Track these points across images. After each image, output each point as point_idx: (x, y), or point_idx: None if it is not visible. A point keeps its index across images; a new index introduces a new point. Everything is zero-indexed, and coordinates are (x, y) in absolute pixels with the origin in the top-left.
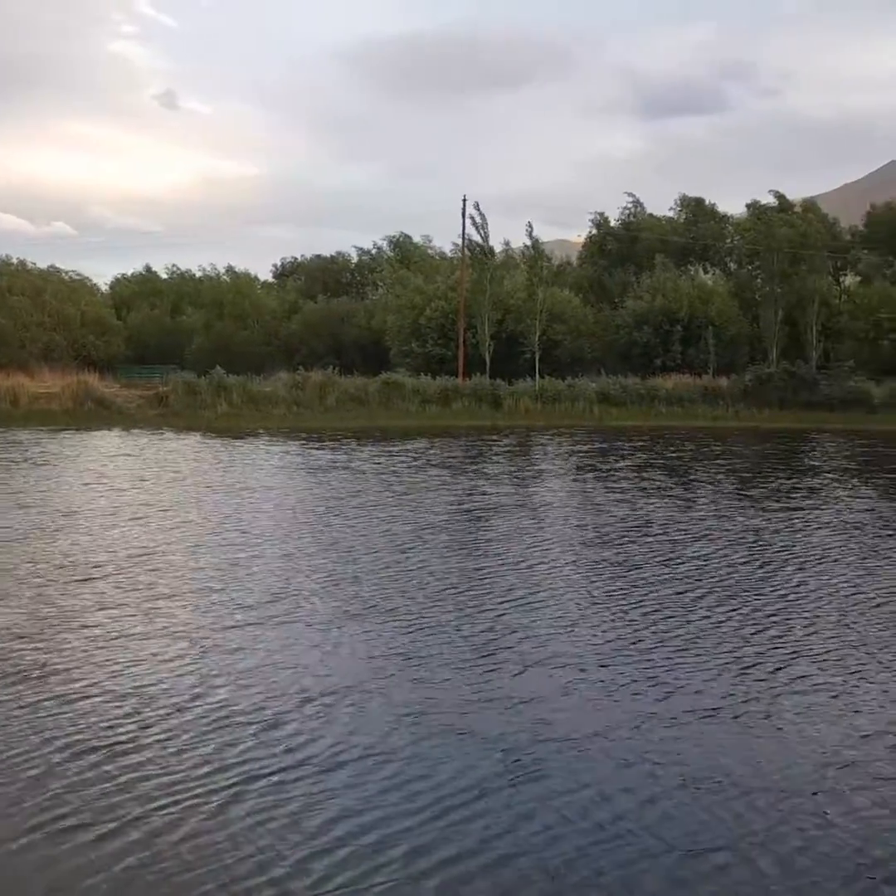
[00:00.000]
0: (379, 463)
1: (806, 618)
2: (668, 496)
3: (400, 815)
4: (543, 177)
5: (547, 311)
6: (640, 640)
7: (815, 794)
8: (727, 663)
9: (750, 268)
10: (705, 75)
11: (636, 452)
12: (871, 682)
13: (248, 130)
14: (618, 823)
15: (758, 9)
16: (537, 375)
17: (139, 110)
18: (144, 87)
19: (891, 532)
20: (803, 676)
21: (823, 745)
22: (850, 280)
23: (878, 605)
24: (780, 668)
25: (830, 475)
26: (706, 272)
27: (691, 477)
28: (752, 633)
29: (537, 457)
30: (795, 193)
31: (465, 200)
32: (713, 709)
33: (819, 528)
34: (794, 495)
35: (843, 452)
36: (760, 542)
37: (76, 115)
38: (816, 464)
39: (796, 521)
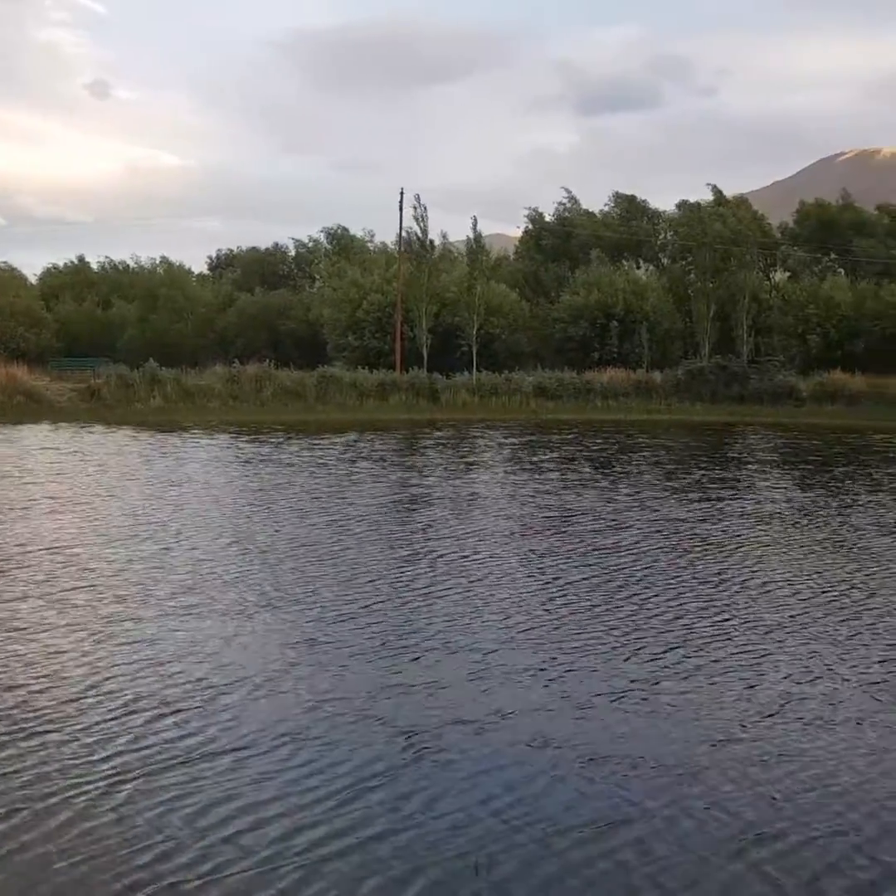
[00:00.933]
0: (310, 456)
1: (710, 604)
2: (594, 487)
3: (284, 801)
4: (483, 170)
5: (484, 304)
6: (545, 626)
7: (680, 774)
8: (624, 647)
9: (683, 263)
10: (642, 72)
11: (567, 445)
12: (765, 665)
13: (182, 120)
14: (489, 804)
15: (694, 8)
16: (475, 369)
17: (69, 99)
18: (75, 75)
19: (803, 522)
20: (698, 659)
21: (706, 725)
22: (779, 276)
23: (775, 591)
24: (674, 651)
25: (753, 467)
26: (640, 268)
27: (617, 469)
28: (653, 619)
29: (469, 449)
30: (728, 190)
31: (402, 194)
32: (612, 691)
33: (734, 517)
34: (715, 486)
35: (769, 445)
36: (675, 532)
37: (3, 103)
38: (741, 456)
39: (714, 511)
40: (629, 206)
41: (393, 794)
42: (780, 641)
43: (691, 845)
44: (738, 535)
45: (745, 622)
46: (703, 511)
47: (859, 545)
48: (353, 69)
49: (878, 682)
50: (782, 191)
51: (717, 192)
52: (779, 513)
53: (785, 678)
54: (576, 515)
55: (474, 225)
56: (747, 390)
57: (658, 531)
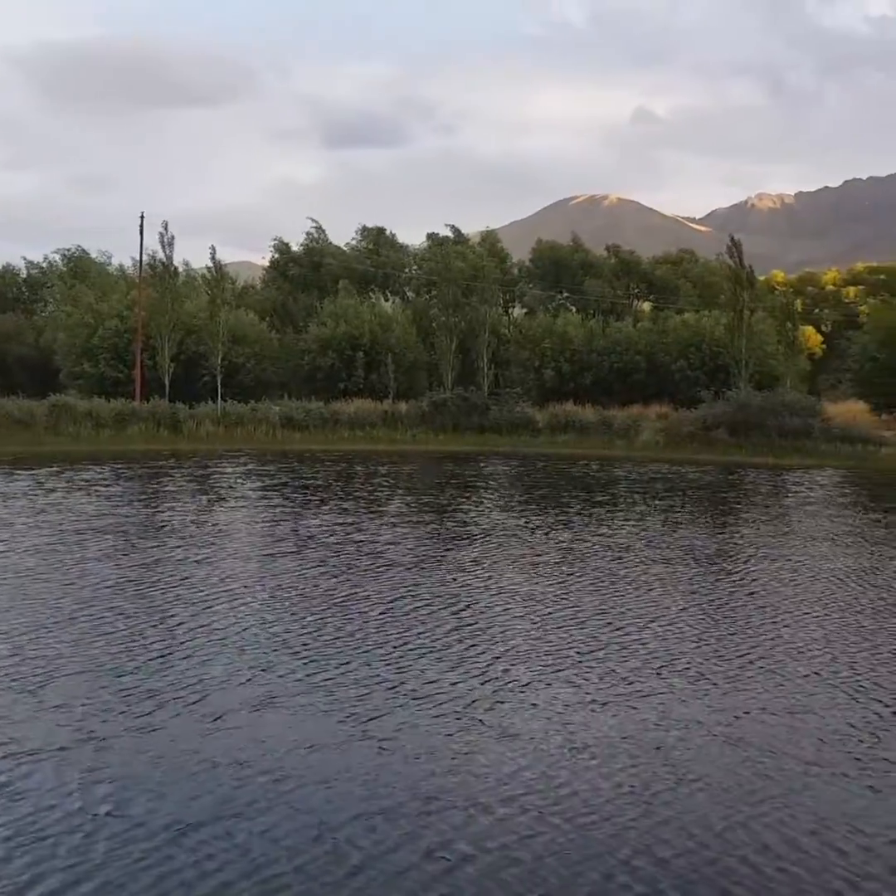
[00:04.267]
0: (11, 488)
1: (349, 618)
2: (300, 514)
3: None
4: (229, 197)
5: (229, 333)
6: (174, 652)
7: (278, 776)
8: (267, 664)
9: (427, 297)
10: (387, 109)
11: (287, 474)
12: (374, 675)
13: None
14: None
15: (436, 49)
16: (220, 399)
17: None
18: None
19: (487, 541)
20: (325, 674)
21: (307, 734)
22: (517, 312)
23: (418, 608)
24: (307, 665)
25: (466, 492)
26: (387, 300)
27: (329, 495)
28: (305, 637)
29: (185, 479)
30: (471, 228)
31: (143, 218)
32: (248, 705)
33: (424, 539)
34: (420, 510)
35: (490, 472)
36: (361, 553)
37: None
38: (460, 482)
39: (409, 534)
40: (378, 239)
41: None
42: (400, 659)
43: (279, 835)
44: (416, 555)
45: (377, 641)
46: (400, 534)
47: (523, 562)
48: (94, 86)
49: (447, 671)
50: (520, 230)
51: (456, 231)
52: (466, 534)
53: (379, 683)
54: (258, 539)
55: (213, 253)
56: (487, 421)
57: (341, 553)
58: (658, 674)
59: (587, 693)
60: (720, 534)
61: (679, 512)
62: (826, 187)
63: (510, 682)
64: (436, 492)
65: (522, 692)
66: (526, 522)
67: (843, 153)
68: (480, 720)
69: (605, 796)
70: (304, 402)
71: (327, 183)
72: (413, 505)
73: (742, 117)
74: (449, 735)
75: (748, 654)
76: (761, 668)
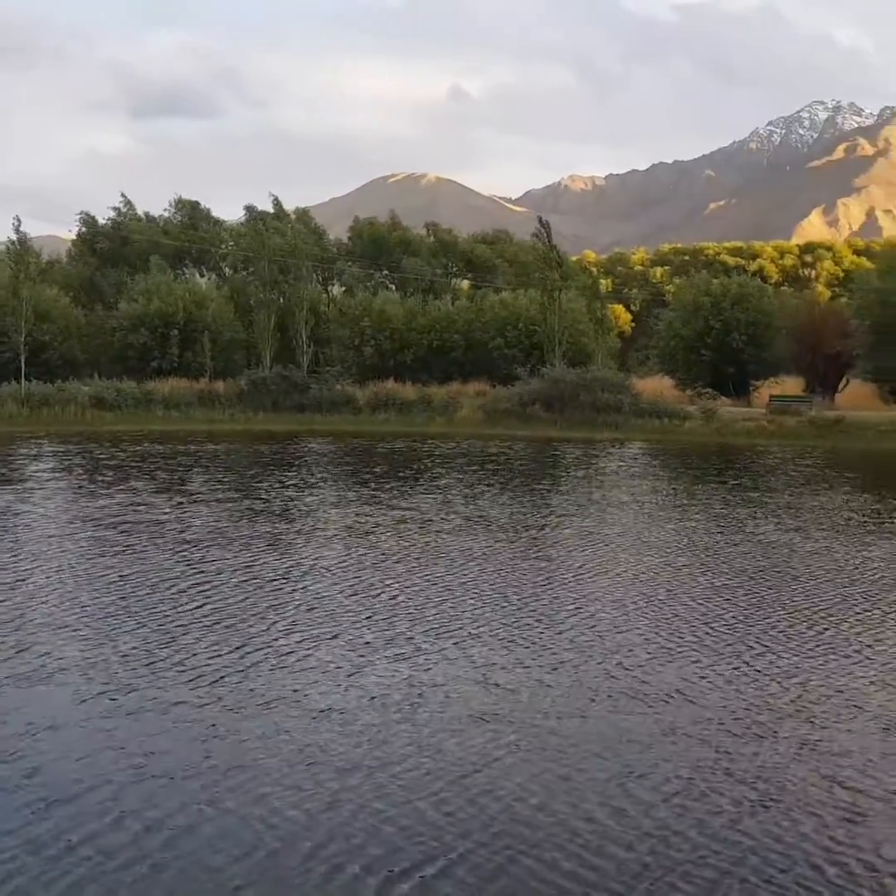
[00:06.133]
0: None
1: (123, 596)
2: (90, 494)
3: None
4: (31, 169)
5: (33, 309)
6: None
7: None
8: (21, 645)
9: (244, 274)
10: (196, 81)
11: (86, 455)
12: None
13: None
14: None
15: (249, 20)
16: (23, 378)
17: None
18: None
19: (276, 516)
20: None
21: (46, 713)
22: (336, 290)
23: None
24: (77, 639)
25: (266, 469)
26: (202, 276)
27: (125, 475)
28: (58, 616)
29: None
30: (288, 204)
31: None
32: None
33: (208, 517)
34: (218, 489)
35: (302, 449)
36: (123, 533)
37: None
38: (264, 460)
39: (198, 511)
40: (192, 213)
41: None
42: (166, 634)
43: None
44: (205, 533)
45: (149, 616)
46: (192, 512)
47: (315, 537)
48: None
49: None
50: (339, 207)
51: (278, 204)
52: (262, 510)
53: (138, 658)
54: (37, 519)
55: (17, 225)
56: (307, 399)
57: (125, 532)
58: (415, 639)
59: (346, 659)
60: (518, 504)
61: (482, 485)
62: (634, 170)
63: (272, 651)
64: (240, 471)
65: (282, 660)
66: (327, 498)
67: (651, 137)
68: (223, 694)
69: (341, 760)
70: (115, 382)
71: (136, 155)
72: (212, 484)
73: (554, 100)
74: (199, 707)
75: (517, 617)
76: (526, 633)
